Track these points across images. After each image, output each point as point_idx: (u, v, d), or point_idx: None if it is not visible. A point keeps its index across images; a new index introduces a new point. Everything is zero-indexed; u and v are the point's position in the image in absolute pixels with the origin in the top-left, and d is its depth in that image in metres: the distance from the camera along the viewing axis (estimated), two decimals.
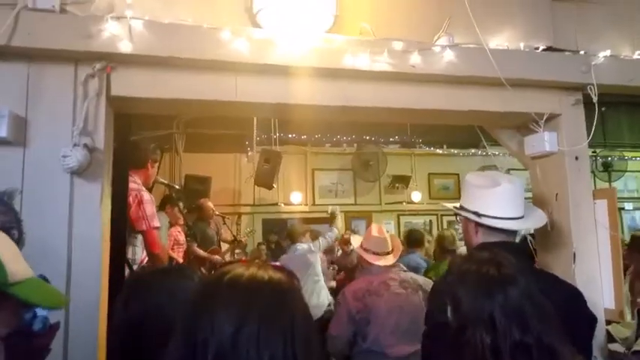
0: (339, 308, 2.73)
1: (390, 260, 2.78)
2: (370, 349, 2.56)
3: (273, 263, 1.00)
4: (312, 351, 0.88)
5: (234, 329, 0.82)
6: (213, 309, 0.85)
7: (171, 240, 5.53)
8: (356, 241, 3.06)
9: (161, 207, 4.37)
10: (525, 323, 1.19)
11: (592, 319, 1.72)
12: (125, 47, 1.86)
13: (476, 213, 1.82)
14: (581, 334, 1.63)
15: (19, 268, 0.99)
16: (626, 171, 8.52)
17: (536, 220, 2.02)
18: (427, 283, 2.74)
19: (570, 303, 1.66)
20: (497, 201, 1.82)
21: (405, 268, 2.87)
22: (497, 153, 5.57)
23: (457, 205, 1.98)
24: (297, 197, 8.29)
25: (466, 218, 1.87)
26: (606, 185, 7.82)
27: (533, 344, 1.17)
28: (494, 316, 1.19)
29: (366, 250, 2.82)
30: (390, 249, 2.83)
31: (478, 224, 1.81)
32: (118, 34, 1.84)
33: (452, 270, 1.45)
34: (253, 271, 0.90)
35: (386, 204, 8.91)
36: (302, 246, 4.95)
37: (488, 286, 1.24)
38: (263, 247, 7.27)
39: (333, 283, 5.57)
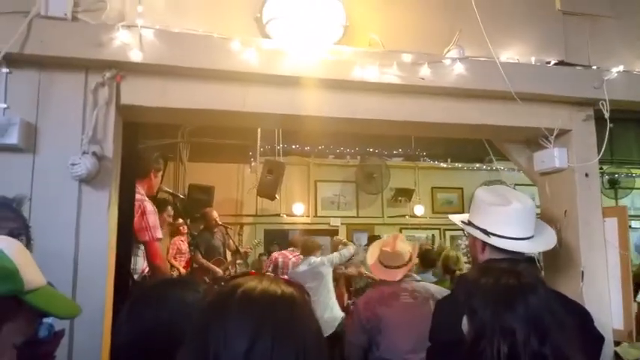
0: (353, 316, 2.86)
1: (397, 275, 2.76)
2: (383, 357, 2.62)
3: (284, 277, 0.99)
4: None
5: (248, 344, 0.80)
6: (226, 323, 0.83)
7: (174, 249, 5.49)
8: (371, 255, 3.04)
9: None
10: (544, 334, 1.18)
11: (599, 339, 1.69)
12: (135, 56, 1.86)
13: (484, 231, 1.79)
14: (589, 354, 1.60)
15: (34, 276, 0.98)
16: (633, 188, 8.49)
17: (546, 241, 1.97)
18: (440, 291, 2.73)
19: (578, 322, 1.63)
20: (508, 220, 1.79)
21: (418, 278, 2.88)
22: (502, 168, 5.58)
23: (465, 219, 1.96)
24: (299, 208, 8.28)
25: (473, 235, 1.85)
26: (613, 202, 7.79)
27: (549, 355, 1.16)
28: (514, 326, 1.17)
29: (380, 262, 2.85)
30: (402, 263, 2.80)
31: (485, 242, 1.79)
32: (128, 43, 1.85)
33: (463, 283, 1.43)
34: (266, 285, 0.89)
35: (388, 217, 8.88)
36: (315, 259, 4.92)
37: (510, 296, 1.23)
38: (264, 258, 7.23)
39: None
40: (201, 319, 0.87)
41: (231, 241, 5.82)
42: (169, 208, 4.31)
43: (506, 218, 1.80)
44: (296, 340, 0.84)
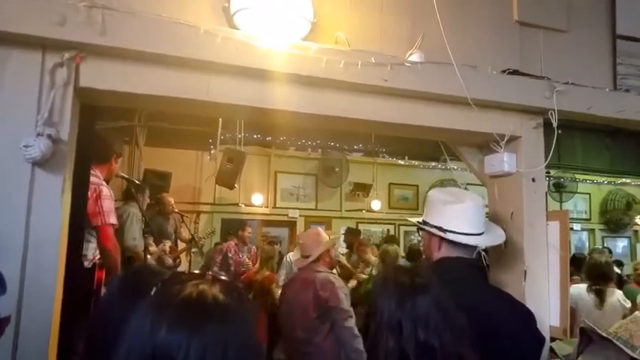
0: None
1: (304, 263, 3.17)
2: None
3: (223, 278, 0.98)
4: None
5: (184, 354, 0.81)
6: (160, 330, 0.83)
7: None
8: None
9: (125, 198, 4.23)
10: (430, 330, 1.27)
11: (540, 341, 1.80)
12: (97, 38, 1.80)
13: (440, 228, 1.88)
14: (530, 354, 1.71)
15: None
16: (576, 192, 8.95)
17: (496, 237, 2.10)
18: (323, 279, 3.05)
19: (522, 323, 1.74)
20: (461, 217, 1.88)
21: (321, 269, 3.12)
22: (456, 168, 5.75)
23: (420, 219, 2.04)
24: (258, 199, 8.24)
25: (430, 233, 1.92)
26: (558, 205, 8.19)
27: (438, 348, 1.25)
28: (401, 322, 1.28)
29: None
30: (310, 253, 3.14)
31: (442, 239, 1.87)
32: (90, 24, 1.79)
33: (376, 281, 1.53)
34: (201, 293, 0.88)
35: (346, 211, 9.00)
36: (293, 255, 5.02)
37: (401, 294, 1.33)
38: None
39: None
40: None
41: (186, 229, 5.73)
42: (147, 191, 4.25)
43: (460, 215, 1.89)
44: (227, 353, 0.83)
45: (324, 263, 3.16)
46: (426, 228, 1.92)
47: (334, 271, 3.47)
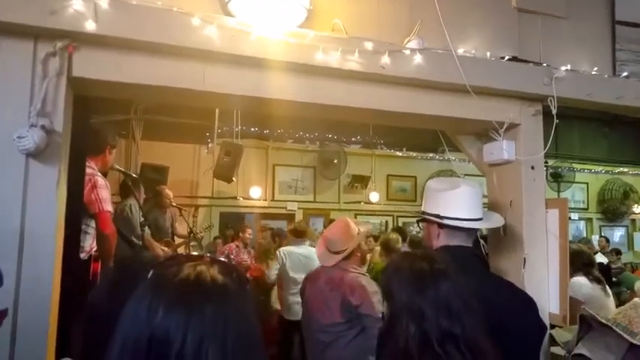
0: None
1: (331, 261, 2.74)
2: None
3: (222, 259, 0.97)
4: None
5: (181, 340, 0.79)
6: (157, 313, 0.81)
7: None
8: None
9: (123, 195, 4.23)
10: (453, 315, 1.27)
11: (542, 329, 1.80)
12: (90, 26, 1.77)
13: (437, 215, 1.87)
14: (532, 342, 1.70)
15: None
16: (574, 182, 8.96)
17: (495, 221, 2.09)
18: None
19: (525, 312, 1.73)
20: (458, 202, 1.88)
21: (350, 269, 2.74)
22: (453, 158, 5.75)
23: (419, 211, 2.03)
24: (256, 192, 8.23)
25: (428, 222, 1.92)
26: (555, 195, 8.20)
27: (460, 335, 1.24)
28: (423, 309, 1.27)
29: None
30: (340, 249, 2.73)
31: (440, 226, 1.86)
32: (82, 12, 1.76)
33: (389, 266, 1.51)
34: (199, 275, 0.86)
35: (344, 203, 8.99)
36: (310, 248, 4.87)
37: (421, 280, 1.32)
38: (219, 240, 7.17)
39: None
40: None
41: (184, 223, 5.71)
42: (141, 186, 4.23)
43: (456, 201, 1.89)
44: (226, 335, 0.81)
45: (355, 260, 2.79)
46: (425, 217, 1.92)
47: (364, 269, 3.18)
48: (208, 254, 0.95)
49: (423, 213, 1.97)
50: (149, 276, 0.87)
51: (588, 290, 3.55)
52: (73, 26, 1.76)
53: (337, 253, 2.73)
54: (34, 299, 1.67)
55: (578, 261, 3.64)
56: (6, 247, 1.65)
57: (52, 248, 1.74)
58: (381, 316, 2.43)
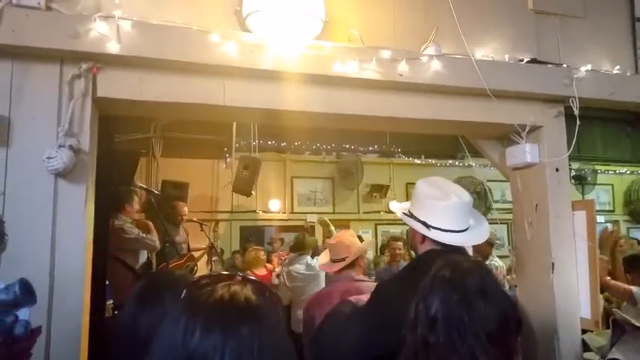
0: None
1: (334, 268, 2.63)
2: None
3: (253, 279, 0.97)
4: None
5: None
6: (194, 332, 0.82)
7: None
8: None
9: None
10: (492, 328, 1.26)
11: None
12: (112, 48, 1.83)
13: (425, 223, 1.84)
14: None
15: None
16: (597, 184, 8.78)
17: (479, 234, 1.99)
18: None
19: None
20: (446, 214, 1.83)
21: (363, 278, 2.65)
22: (474, 164, 5.69)
23: (406, 209, 1.97)
24: (275, 205, 8.24)
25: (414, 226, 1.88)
26: (579, 197, 8.04)
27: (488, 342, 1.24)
28: (464, 319, 1.25)
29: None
30: (344, 256, 2.62)
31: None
32: (105, 34, 1.81)
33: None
34: (233, 295, 0.87)
35: (364, 213, 8.94)
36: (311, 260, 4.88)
37: (464, 294, 1.29)
38: (237, 255, 7.13)
39: None
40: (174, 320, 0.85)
41: (206, 237, 5.72)
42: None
43: (445, 212, 1.84)
44: (262, 353, 0.82)
45: (360, 270, 2.68)
46: (411, 223, 1.89)
47: (372, 279, 3.11)
48: (239, 274, 0.95)
49: (411, 215, 1.92)
50: (182, 297, 0.88)
51: None
52: (97, 48, 1.81)
53: (340, 260, 2.66)
54: (66, 316, 1.70)
55: None
56: (38, 265, 1.68)
57: (81, 265, 1.77)
58: None
